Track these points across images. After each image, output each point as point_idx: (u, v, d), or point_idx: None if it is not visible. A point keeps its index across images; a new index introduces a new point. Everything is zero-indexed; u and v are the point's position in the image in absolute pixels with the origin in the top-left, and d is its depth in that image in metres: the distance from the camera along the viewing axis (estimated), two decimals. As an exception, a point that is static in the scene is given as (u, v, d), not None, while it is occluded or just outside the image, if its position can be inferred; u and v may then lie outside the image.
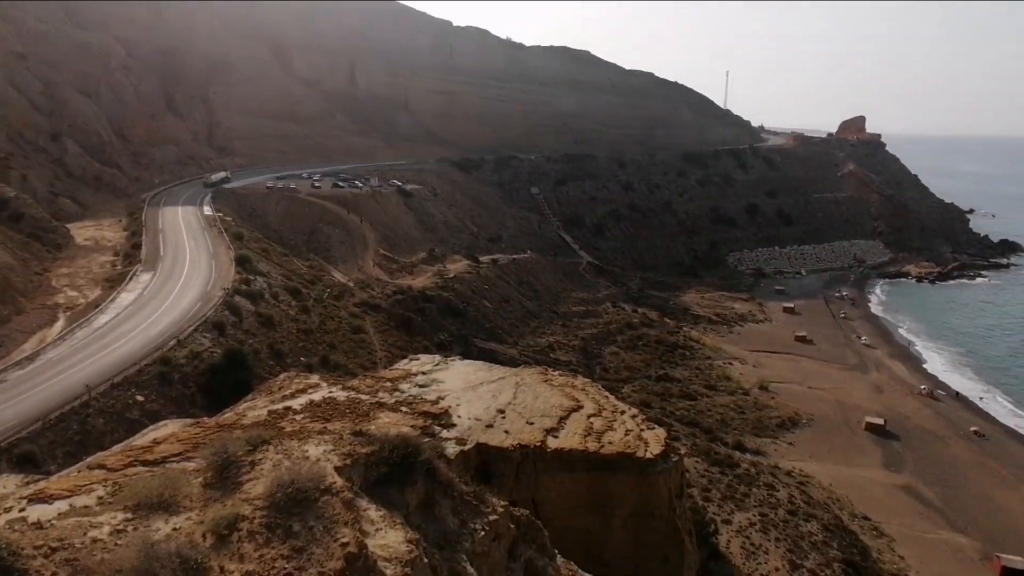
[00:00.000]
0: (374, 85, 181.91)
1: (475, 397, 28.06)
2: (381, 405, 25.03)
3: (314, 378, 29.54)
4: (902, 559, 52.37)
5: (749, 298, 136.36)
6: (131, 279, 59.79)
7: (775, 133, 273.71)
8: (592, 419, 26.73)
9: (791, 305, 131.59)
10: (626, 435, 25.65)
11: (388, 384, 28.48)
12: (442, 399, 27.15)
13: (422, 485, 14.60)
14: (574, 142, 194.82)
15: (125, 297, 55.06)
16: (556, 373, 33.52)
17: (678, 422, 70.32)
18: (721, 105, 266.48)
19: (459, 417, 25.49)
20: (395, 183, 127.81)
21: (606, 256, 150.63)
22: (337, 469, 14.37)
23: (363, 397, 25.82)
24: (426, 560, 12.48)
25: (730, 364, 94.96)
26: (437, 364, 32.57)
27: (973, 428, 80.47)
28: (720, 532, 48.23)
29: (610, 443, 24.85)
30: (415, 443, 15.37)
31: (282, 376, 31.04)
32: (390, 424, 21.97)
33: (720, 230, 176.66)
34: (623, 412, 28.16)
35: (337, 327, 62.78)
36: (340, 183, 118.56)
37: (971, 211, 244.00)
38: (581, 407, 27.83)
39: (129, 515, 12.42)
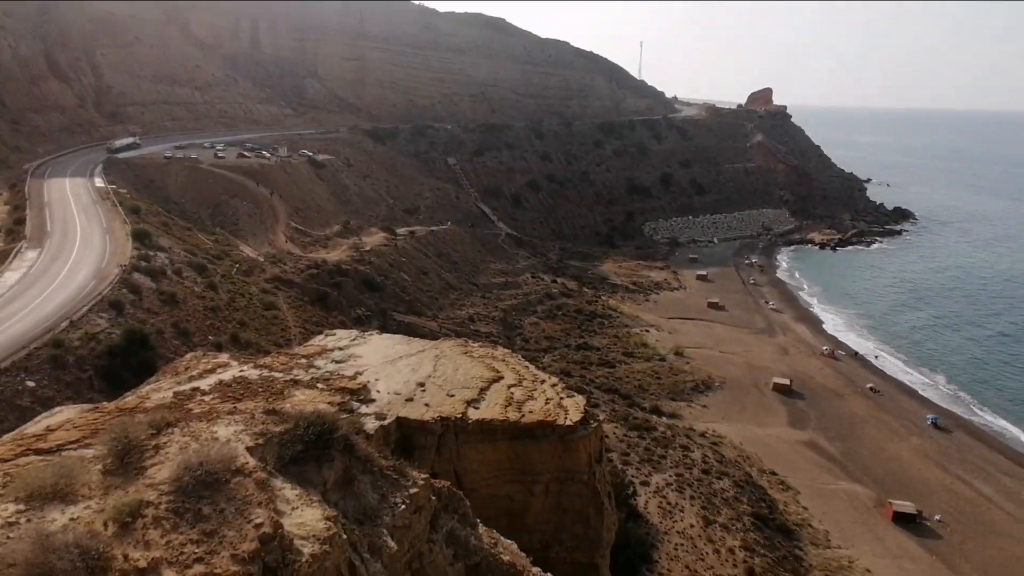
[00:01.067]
0: (280, 50, 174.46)
1: (394, 371, 27.84)
2: (296, 383, 24.46)
3: (224, 357, 28.51)
4: (805, 510, 56.12)
5: (664, 267, 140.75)
6: (15, 257, 55.52)
7: (688, 104, 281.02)
8: (513, 389, 27.05)
9: (704, 273, 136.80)
10: (546, 404, 26.13)
11: (303, 361, 27.83)
12: (360, 374, 26.80)
13: (340, 462, 14.42)
14: (491, 111, 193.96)
15: (9, 277, 51.15)
16: (476, 345, 33.67)
17: (597, 389, 72.17)
18: (635, 76, 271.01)
19: (378, 392, 25.26)
20: (305, 153, 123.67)
21: (525, 227, 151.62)
22: (249, 449, 13.99)
23: (277, 375, 25.14)
24: (345, 536, 12.38)
25: (647, 331, 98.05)
26: (354, 339, 32.06)
27: (869, 385, 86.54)
28: (638, 493, 50.12)
29: (531, 412, 25.25)
30: (331, 419, 15.12)
31: (189, 356, 29.77)
32: (306, 401, 21.52)
33: (636, 200, 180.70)
34: (543, 381, 28.64)
35: (248, 304, 60.62)
36: (246, 153, 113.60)
37: (868, 180, 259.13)
38: (502, 378, 28.10)
39: (22, 507, 11.71)
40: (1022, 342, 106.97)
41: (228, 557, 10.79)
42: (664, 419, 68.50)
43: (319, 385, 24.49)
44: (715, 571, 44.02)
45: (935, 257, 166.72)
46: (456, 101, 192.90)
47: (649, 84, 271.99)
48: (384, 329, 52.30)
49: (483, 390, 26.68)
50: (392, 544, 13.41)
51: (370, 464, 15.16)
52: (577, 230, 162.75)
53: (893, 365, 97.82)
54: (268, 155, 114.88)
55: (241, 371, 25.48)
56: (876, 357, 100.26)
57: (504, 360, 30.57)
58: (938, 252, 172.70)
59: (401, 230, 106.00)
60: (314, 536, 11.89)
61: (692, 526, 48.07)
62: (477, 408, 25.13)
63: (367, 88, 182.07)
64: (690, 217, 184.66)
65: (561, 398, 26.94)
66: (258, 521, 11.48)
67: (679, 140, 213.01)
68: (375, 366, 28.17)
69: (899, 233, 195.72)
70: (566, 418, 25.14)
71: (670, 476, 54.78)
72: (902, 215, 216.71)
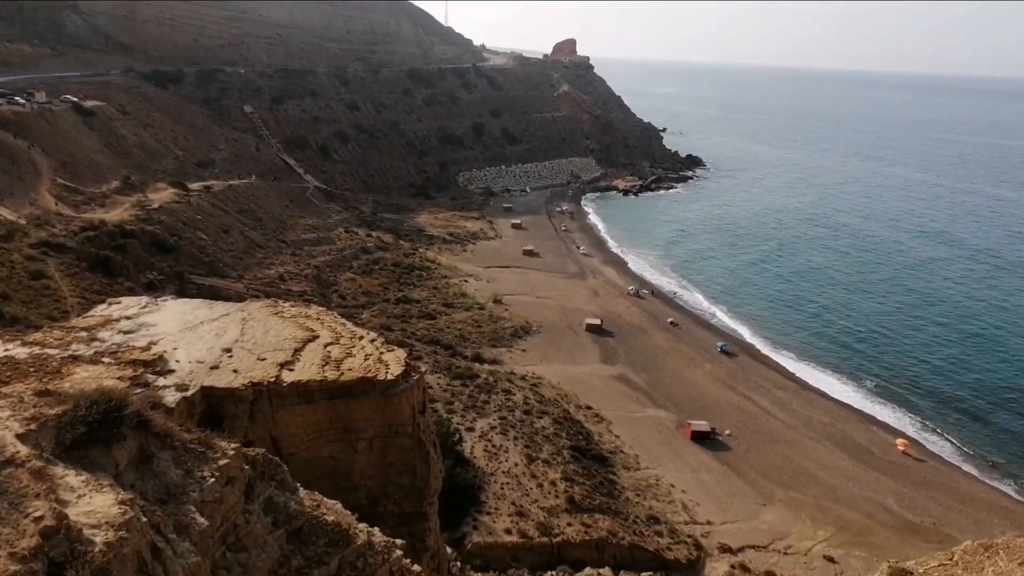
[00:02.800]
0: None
1: (195, 338, 25.83)
2: (76, 359, 21.82)
3: (-21, 337, 24.65)
4: (617, 438, 61.25)
5: (480, 216, 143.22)
6: None
7: (496, 53, 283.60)
8: (330, 348, 26.29)
9: (518, 221, 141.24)
10: (366, 360, 25.72)
11: (83, 334, 24.87)
12: (155, 344, 24.51)
13: (133, 440, 13.17)
14: (289, 56, 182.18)
15: None
16: (288, 305, 32.11)
17: (419, 342, 72.61)
18: (442, 22, 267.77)
19: (178, 362, 23.33)
20: (70, 99, 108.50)
21: (335, 179, 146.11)
22: (19, 437, 12.31)
23: (52, 352, 22.24)
24: (145, 519, 11.43)
25: (466, 281, 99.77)
26: (145, 306, 29.17)
27: (670, 320, 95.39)
28: (464, 439, 51.66)
29: (350, 369, 24.74)
30: (119, 396, 13.71)
31: (-69, 339, 25.38)
32: (89, 379, 19.32)
33: (449, 150, 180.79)
34: (362, 338, 28.09)
35: (9, 273, 52.89)
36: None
37: (664, 130, 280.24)
38: (317, 337, 27.17)
39: None
40: (789, 277, 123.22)
41: (5, 556, 9.55)
42: (486, 366, 70.70)
43: (105, 359, 22.06)
44: (539, 504, 46.87)
45: (723, 200, 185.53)
46: (249, 43, 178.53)
47: (457, 31, 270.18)
48: (182, 294, 48.27)
49: (297, 351, 25.63)
50: (202, 520, 12.62)
51: (170, 439, 14.03)
52: (390, 182, 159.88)
53: (690, 300, 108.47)
54: (23, 101, 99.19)
55: (6, 350, 22.23)
56: (675, 293, 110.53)
57: (319, 319, 29.52)
58: (725, 195, 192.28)
59: (195, 185, 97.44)
60: (107, 523, 10.84)
61: (517, 465, 50.57)
62: (292, 370, 24.14)
63: (141, 25, 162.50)
64: (503, 167, 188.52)
65: (381, 353, 26.62)
66: (37, 514, 10.23)
67: (489, 89, 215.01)
68: (172, 334, 25.93)
69: (692, 179, 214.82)
70: (387, 373, 24.93)
71: (494, 420, 56.96)
72: (694, 162, 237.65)
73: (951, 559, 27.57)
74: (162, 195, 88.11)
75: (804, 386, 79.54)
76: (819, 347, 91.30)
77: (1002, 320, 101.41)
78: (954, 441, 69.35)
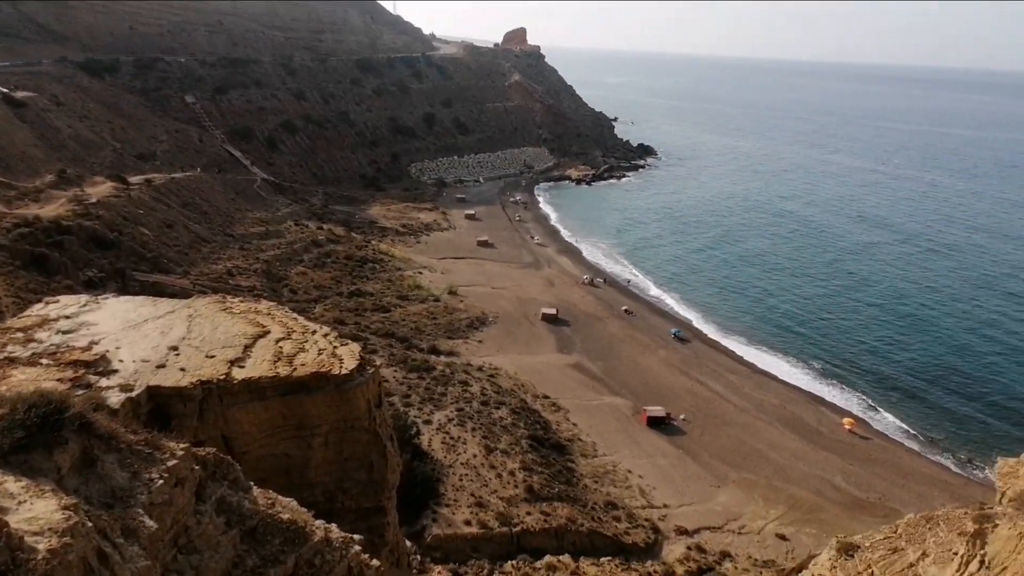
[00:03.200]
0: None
1: (140, 336, 25.08)
2: (12, 361, 20.98)
3: (-96, 341, 23.47)
4: (575, 426, 61.84)
5: (433, 207, 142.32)
6: None
7: (446, 42, 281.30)
8: (281, 343, 25.84)
9: (472, 212, 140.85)
10: (319, 355, 25.37)
11: (19, 335, 23.89)
12: (96, 344, 23.73)
13: (76, 443, 12.73)
14: (232, 44, 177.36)
15: None
16: (237, 300, 31.42)
17: (374, 335, 71.94)
18: (390, 11, 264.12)
19: (121, 361, 22.63)
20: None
21: (283, 171, 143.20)
22: (-48, 444, 11.80)
23: (-16, 355, 21.32)
24: (90, 524, 11.08)
25: (420, 273, 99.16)
26: (85, 305, 28.16)
27: (624, 308, 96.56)
28: (422, 432, 51.47)
29: (303, 365, 24.38)
30: (59, 398, 13.21)
31: None
32: (27, 381, 18.61)
33: (400, 141, 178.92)
34: (315, 332, 27.69)
35: (-65, 276, 50.39)
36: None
37: (615, 119, 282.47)
38: (268, 332, 26.67)
39: None
40: (735, 262, 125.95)
41: (-62, 570, 9.14)
42: (442, 358, 70.48)
43: (43, 361, 21.26)
44: (499, 494, 47.05)
45: (674, 188, 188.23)
46: (190, 31, 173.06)
47: (405, 20, 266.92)
48: (124, 292, 46.82)
49: (248, 347, 25.12)
50: (151, 523, 12.29)
51: (115, 441, 13.61)
52: (340, 173, 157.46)
53: (643, 287, 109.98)
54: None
55: (-67, 355, 21.21)
56: (628, 281, 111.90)
57: (270, 314, 28.97)
58: (676, 183, 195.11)
59: (135, 178, 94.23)
60: (51, 529, 10.48)
61: (475, 456, 50.64)
62: (243, 367, 23.65)
63: (74, 13, 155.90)
64: (455, 157, 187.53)
65: (335, 347, 26.29)
66: (-27, 524, 9.81)
67: (440, 79, 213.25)
68: (114, 333, 25.12)
69: (644, 167, 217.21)
70: (341, 367, 24.64)
71: (451, 412, 56.88)
72: (646, 151, 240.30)
73: (895, 532, 28.69)
74: (100, 189, 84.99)
75: (755, 370, 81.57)
76: (766, 331, 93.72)
77: (934, 301, 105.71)
78: (896, 419, 72.15)
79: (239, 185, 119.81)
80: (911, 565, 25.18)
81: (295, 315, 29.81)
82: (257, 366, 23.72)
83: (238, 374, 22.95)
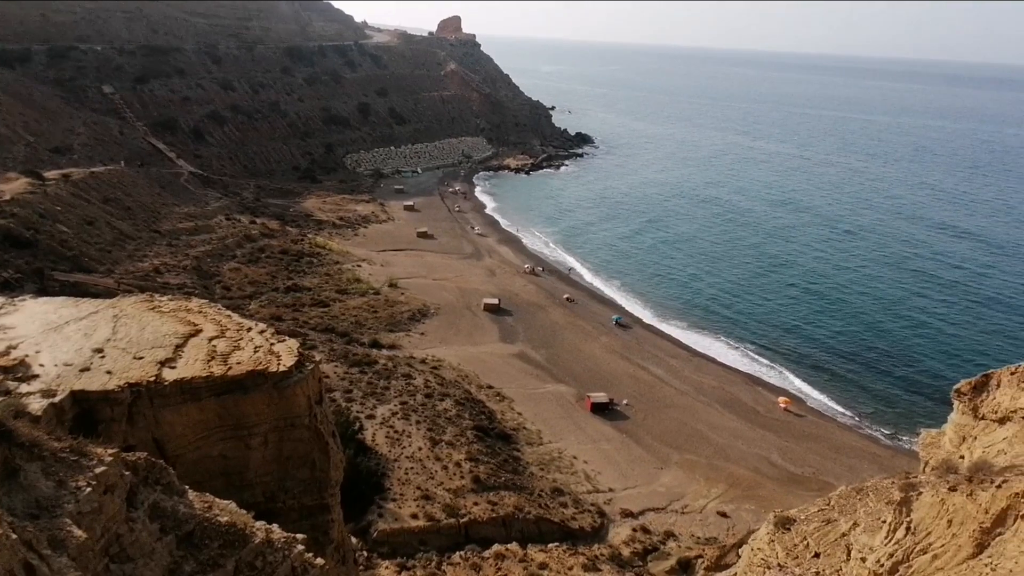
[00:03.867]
0: None
1: (61, 339, 23.98)
2: (-81, 370, 19.78)
3: None
4: (520, 414, 62.24)
5: (371, 199, 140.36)
6: None
7: (379, 30, 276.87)
8: (215, 342, 25.14)
9: (411, 203, 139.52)
10: (256, 352, 24.81)
11: (-74, 343, 22.53)
12: (14, 348, 22.59)
13: (-6, 453, 12.13)
14: (152, 32, 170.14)
15: None
16: (166, 299, 30.37)
17: (313, 330, 70.69)
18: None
19: (42, 365, 21.61)
20: None
21: (211, 164, 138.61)
22: None
23: None
24: (15, 536, 10.58)
25: (359, 266, 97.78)
26: (1, 307, 26.77)
27: (566, 296, 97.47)
28: (365, 427, 50.92)
29: (239, 363, 23.79)
30: (-25, 405, 12.56)
31: None
32: (-64, 391, 17.58)
33: (335, 131, 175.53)
34: (250, 329, 27.04)
35: None
36: None
37: (552, 108, 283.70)
38: (200, 331, 25.91)
39: None
40: (671, 250, 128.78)
41: None
42: (384, 351, 69.83)
43: (-46, 369, 20.11)
44: (445, 486, 47.03)
45: (611, 176, 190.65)
46: (106, 18, 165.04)
47: (336, 7, 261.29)
48: (43, 293, 44.54)
49: (179, 347, 24.34)
50: (79, 533, 11.80)
51: (38, 449, 13.01)
52: (273, 165, 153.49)
53: (583, 275, 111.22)
54: None
55: None
56: (570, 269, 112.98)
57: (201, 312, 28.12)
58: (614, 171, 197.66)
59: (51, 173, 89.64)
60: (-31, 545, 9.94)
61: (420, 448, 50.44)
62: (174, 368, 22.92)
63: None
64: (392, 147, 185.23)
65: (272, 344, 25.75)
66: None
67: (374, 68, 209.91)
68: (34, 336, 23.97)
69: (582, 156, 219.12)
70: (279, 364, 24.15)
71: (395, 406, 56.47)
72: (583, 139, 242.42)
73: (828, 504, 29.99)
74: (13, 186, 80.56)
75: (693, 353, 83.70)
76: (701, 315, 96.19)
77: (854, 281, 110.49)
78: (828, 396, 75.22)
79: (164, 179, 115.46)
80: (843, 535, 26.37)
81: (229, 312, 29.03)
82: (189, 366, 23.03)
83: (169, 375, 22.23)
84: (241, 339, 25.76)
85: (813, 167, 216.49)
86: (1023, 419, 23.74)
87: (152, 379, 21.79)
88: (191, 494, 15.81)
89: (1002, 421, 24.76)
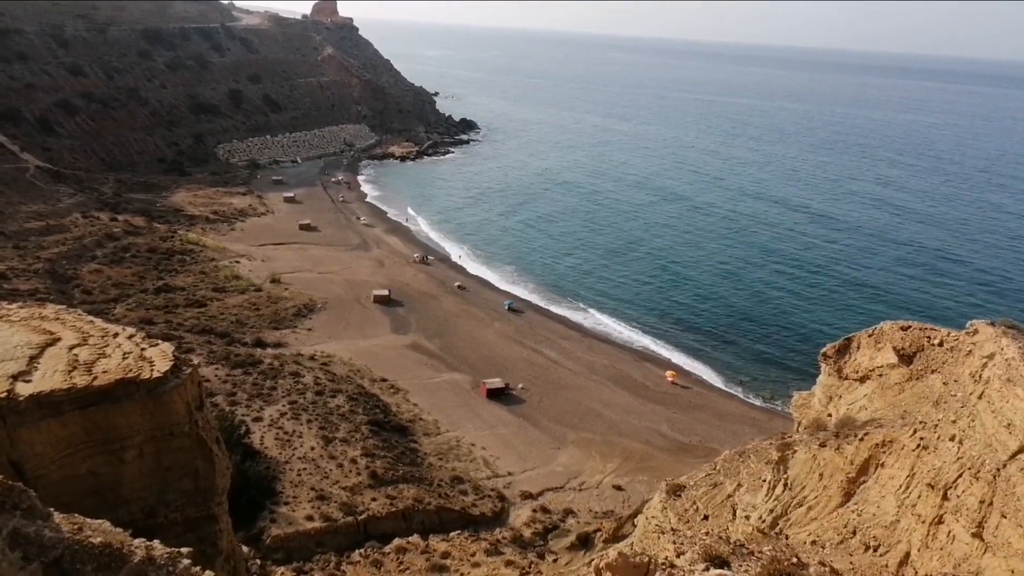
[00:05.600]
0: None
1: None
2: None
3: None
4: (416, 406, 61.90)
5: (247, 191, 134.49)
6: None
7: (248, 12, 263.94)
8: (77, 350, 23.36)
9: (291, 195, 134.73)
10: (124, 359, 23.28)
11: None
12: None
13: None
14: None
15: None
16: (15, 306, 27.86)
17: (189, 332, 67.17)
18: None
19: None
20: None
21: (63, 157, 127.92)
22: None
23: None
24: None
25: (237, 263, 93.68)
26: None
27: (457, 283, 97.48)
28: (252, 431, 49.04)
29: (105, 372, 22.23)
30: None
31: None
32: None
33: (204, 120, 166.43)
34: (117, 335, 25.31)
35: None
36: None
37: (437, 94, 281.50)
38: (59, 339, 23.99)
39: None
40: (560, 232, 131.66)
41: None
42: (269, 350, 67.47)
43: None
44: (341, 484, 46.14)
45: (496, 163, 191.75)
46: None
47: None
48: None
49: (34, 358, 22.43)
50: (-78, 571, 10.70)
51: None
52: (135, 157, 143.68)
53: (474, 262, 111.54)
54: None
55: None
56: (460, 257, 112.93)
57: (59, 319, 26.02)
58: (499, 158, 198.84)
59: None
60: None
61: (313, 448, 49.18)
62: (29, 381, 21.12)
63: None
64: (268, 136, 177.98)
65: (143, 349, 24.22)
66: None
67: (244, 52, 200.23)
68: None
69: (467, 143, 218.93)
70: (152, 370, 22.79)
71: (283, 406, 54.71)
72: (468, 125, 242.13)
73: (715, 468, 31.79)
74: None
75: (584, 333, 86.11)
76: (593, 296, 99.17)
77: (698, 256, 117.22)
78: (709, 367, 79.55)
79: (7, 175, 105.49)
80: (728, 496, 28.06)
81: (91, 318, 27.07)
82: (48, 379, 21.31)
83: (24, 390, 20.48)
84: (107, 346, 24.12)
85: (665, 148, 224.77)
86: (880, 377, 26.09)
87: (4, 395, 19.99)
88: (57, 517, 14.65)
89: (863, 380, 27.12)
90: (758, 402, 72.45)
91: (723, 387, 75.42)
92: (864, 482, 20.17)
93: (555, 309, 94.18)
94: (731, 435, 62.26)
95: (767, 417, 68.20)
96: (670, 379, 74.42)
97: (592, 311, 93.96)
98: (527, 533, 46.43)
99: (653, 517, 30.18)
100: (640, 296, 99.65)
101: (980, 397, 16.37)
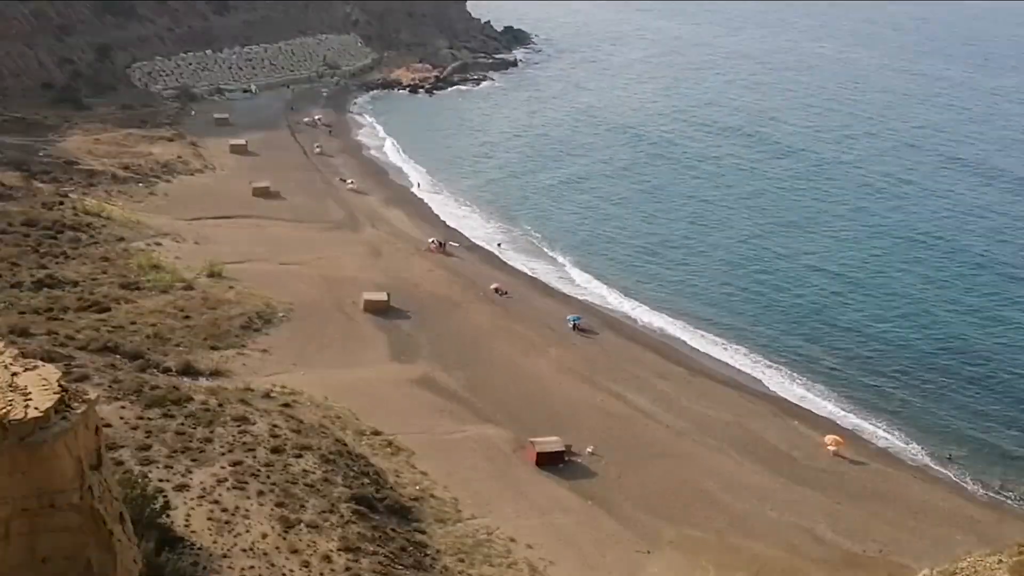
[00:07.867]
0: None
1: None
2: None
3: None
4: (425, 475, 62.12)
5: (175, 135, 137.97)
6: None
7: None
8: (-87, 371, 24.28)
9: (242, 141, 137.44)
10: (-17, 388, 24.12)
11: None
12: None
13: None
14: None
15: None
16: None
17: (83, 350, 68.78)
18: None
19: None
20: None
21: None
22: None
23: None
24: None
25: (158, 244, 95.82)
26: None
27: (494, 285, 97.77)
28: (174, 505, 49.82)
29: (-49, 408, 23.07)
30: None
31: None
32: None
33: (112, 25, 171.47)
34: (-28, 351, 26.31)
35: None
36: None
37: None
38: None
39: None
40: (643, 205, 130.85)
41: None
42: (203, 381, 68.71)
43: None
44: (307, 595, 46.49)
45: (560, 98, 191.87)
46: None
47: None
48: None
49: None
50: None
51: None
52: (7, 81, 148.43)
53: (521, 253, 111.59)
54: None
55: None
56: (499, 245, 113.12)
57: None
58: (562, 90, 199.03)
59: None
60: None
61: (265, 536, 49.65)
62: None
63: None
64: (209, 52, 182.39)
65: (14, 375, 25.10)
66: None
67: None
68: None
69: (513, 64, 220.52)
70: (27, 407, 23.52)
71: (222, 468, 55.41)
72: (515, 38, 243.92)
73: (905, 595, 30.97)
74: None
75: (694, 370, 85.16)
76: (704, 309, 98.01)
77: (877, 257, 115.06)
78: (898, 431, 77.74)
79: None
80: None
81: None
82: None
83: None
84: (-44, 368, 25.03)
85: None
86: None
87: None
88: None
89: None
90: (978, 491, 70.84)
91: (921, 464, 73.87)
92: None
93: (646, 330, 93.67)
94: (932, 544, 60.88)
95: (995, 516, 66.55)
96: (831, 448, 73.23)
97: (707, 335, 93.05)
98: None
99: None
100: (783, 315, 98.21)
101: None
